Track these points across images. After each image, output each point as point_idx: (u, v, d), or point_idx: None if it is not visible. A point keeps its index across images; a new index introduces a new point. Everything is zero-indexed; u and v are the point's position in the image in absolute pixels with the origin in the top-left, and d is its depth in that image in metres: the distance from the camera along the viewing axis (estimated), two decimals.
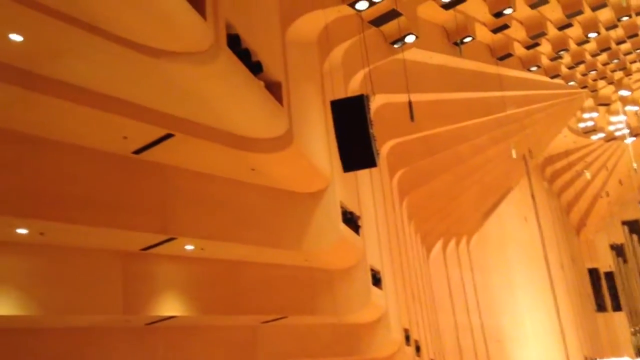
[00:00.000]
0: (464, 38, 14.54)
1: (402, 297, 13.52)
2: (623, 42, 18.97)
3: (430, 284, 18.04)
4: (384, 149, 13.77)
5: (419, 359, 13.80)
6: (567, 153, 28.62)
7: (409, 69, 11.89)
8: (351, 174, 9.74)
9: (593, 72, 20.68)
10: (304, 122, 8.87)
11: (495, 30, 15.37)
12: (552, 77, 19.31)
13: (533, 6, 14.93)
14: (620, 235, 34.64)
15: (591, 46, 18.65)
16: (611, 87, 23.11)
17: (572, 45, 17.95)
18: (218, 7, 6.14)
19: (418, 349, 13.79)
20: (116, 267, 8.54)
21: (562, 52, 17.92)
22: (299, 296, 10.58)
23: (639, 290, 32.86)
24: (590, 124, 25.85)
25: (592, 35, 17.43)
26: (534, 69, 18.06)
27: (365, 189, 11.83)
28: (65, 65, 6.09)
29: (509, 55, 16.60)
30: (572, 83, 20.69)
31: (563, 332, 25.42)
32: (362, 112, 7.77)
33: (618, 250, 34.33)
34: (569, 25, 16.39)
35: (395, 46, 12.28)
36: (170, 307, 9.16)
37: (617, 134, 26.92)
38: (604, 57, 19.79)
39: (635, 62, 21.28)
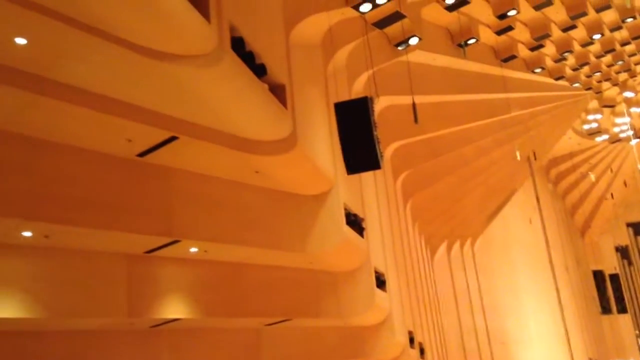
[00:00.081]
0: (468, 40, 14.53)
1: (407, 299, 13.50)
2: (627, 43, 18.94)
3: (434, 286, 18.00)
4: (388, 151, 13.76)
5: None
6: (571, 155, 28.57)
7: (413, 71, 11.89)
8: (355, 176, 9.75)
9: (597, 74, 20.66)
10: (307, 124, 8.87)
11: (499, 32, 15.37)
12: (557, 79, 19.28)
13: (537, 8, 14.92)
14: (625, 237, 34.58)
15: (595, 48, 18.63)
16: (616, 89, 23.07)
17: (577, 47, 17.93)
18: (222, 10, 6.15)
19: (422, 351, 13.76)
20: (121, 269, 8.55)
21: (566, 54, 17.90)
22: (303, 299, 10.58)
23: None
24: (594, 125, 25.81)
25: (597, 36, 17.43)
26: (538, 70, 18.04)
27: (369, 191, 11.82)
28: (70, 69, 6.11)
29: (513, 57, 16.58)
30: (576, 85, 20.66)
31: (568, 334, 25.34)
32: (366, 114, 7.77)
33: (623, 252, 34.25)
34: (573, 26, 16.37)
35: (399, 48, 12.28)
36: (175, 309, 9.17)
37: (622, 135, 26.87)
38: (608, 58, 19.76)
39: (639, 63, 21.26)
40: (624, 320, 33.24)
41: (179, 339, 10.01)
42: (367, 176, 11.55)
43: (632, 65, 21.14)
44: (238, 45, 6.52)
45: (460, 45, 14.68)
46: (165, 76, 6.23)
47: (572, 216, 33.16)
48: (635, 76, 22.30)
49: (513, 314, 22.58)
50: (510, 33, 15.69)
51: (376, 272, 10.88)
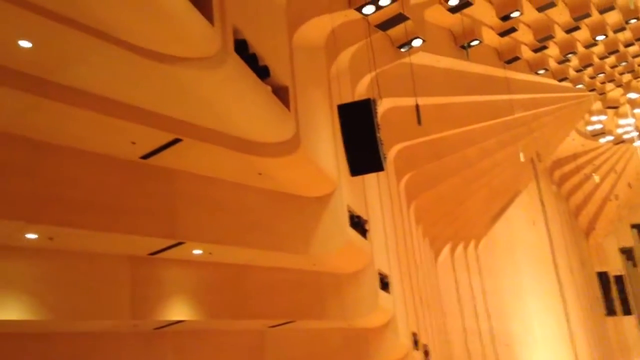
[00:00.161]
0: (471, 41, 14.52)
1: (410, 301, 13.48)
2: (631, 44, 18.90)
3: (438, 288, 17.98)
4: (391, 153, 13.76)
5: None
6: (575, 156, 28.53)
7: (416, 73, 11.88)
8: (358, 178, 9.74)
9: (601, 75, 20.62)
10: (311, 126, 8.88)
11: (502, 34, 15.35)
12: (560, 80, 19.25)
13: (540, 9, 14.90)
14: (629, 239, 34.49)
15: (599, 49, 18.60)
16: (619, 90, 23.03)
17: (580, 48, 17.90)
18: (225, 13, 6.17)
19: (426, 353, 13.74)
20: (124, 271, 8.56)
21: (570, 55, 17.86)
22: (306, 300, 10.58)
23: None
24: (598, 126, 25.75)
25: (600, 37, 17.39)
26: (541, 72, 18.01)
27: (373, 193, 11.82)
28: (74, 71, 6.13)
29: (517, 58, 16.56)
30: (580, 86, 20.62)
31: (572, 336, 25.27)
32: (369, 116, 7.77)
33: (627, 253, 34.17)
34: (577, 28, 16.34)
35: (402, 50, 12.28)
36: (178, 311, 9.18)
37: (626, 136, 26.81)
38: (612, 59, 19.73)
39: None
40: (629, 322, 33.15)
41: (183, 341, 10.01)
42: (371, 178, 11.55)
43: (636, 67, 21.09)
44: (241, 47, 6.53)
45: (463, 47, 14.67)
46: (169, 78, 6.25)
47: (576, 218, 33.08)
48: (639, 77, 22.25)
49: (517, 316, 22.52)
50: (513, 34, 15.68)
51: (380, 274, 10.88)
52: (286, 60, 8.33)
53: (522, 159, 18.33)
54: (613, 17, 16.89)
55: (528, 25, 16.05)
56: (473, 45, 14.66)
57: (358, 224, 10.06)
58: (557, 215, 29.06)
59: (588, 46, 17.94)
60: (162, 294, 8.98)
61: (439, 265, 18.86)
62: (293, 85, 8.22)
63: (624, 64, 20.25)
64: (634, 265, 34.07)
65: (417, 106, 9.10)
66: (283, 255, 9.70)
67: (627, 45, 18.87)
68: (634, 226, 34.77)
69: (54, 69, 6.04)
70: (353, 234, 9.77)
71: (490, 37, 15.51)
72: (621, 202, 32.52)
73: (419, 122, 9.00)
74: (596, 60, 19.14)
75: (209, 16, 5.69)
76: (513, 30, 15.28)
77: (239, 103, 7.05)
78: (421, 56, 13.17)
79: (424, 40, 12.28)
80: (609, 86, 22.35)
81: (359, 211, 10.35)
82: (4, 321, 7.32)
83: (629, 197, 32.81)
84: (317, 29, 9.53)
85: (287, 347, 11.19)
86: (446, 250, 19.32)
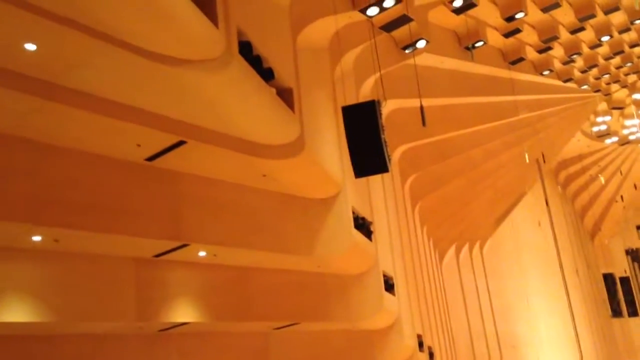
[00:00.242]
0: (476, 42, 14.51)
1: (415, 303, 13.46)
2: (636, 45, 18.85)
3: (443, 290, 17.94)
4: (395, 154, 13.75)
5: None
6: (580, 157, 28.44)
7: (421, 74, 11.87)
8: (363, 179, 9.73)
9: (606, 76, 20.56)
10: (315, 128, 8.88)
11: (507, 35, 15.33)
12: (565, 81, 19.20)
13: (545, 10, 14.87)
14: (635, 240, 34.35)
15: (604, 50, 18.55)
16: (625, 91, 22.95)
17: (585, 49, 17.85)
18: (229, 15, 6.17)
19: (432, 355, 13.71)
20: (129, 273, 8.58)
21: (574, 56, 17.83)
22: (311, 302, 10.57)
23: None
24: (603, 127, 25.66)
25: (605, 38, 17.35)
26: (546, 73, 17.98)
27: (377, 195, 11.81)
28: (79, 74, 6.14)
29: (521, 59, 16.53)
30: (585, 87, 20.57)
31: (578, 337, 25.18)
32: (374, 117, 7.76)
33: (633, 255, 34.01)
34: (582, 28, 16.31)
35: (407, 51, 12.27)
36: (183, 313, 9.18)
37: (631, 137, 26.70)
38: (617, 60, 19.67)
39: None
40: (635, 323, 33.01)
41: (188, 343, 10.02)
42: (375, 179, 11.54)
43: None
44: (246, 49, 6.54)
45: (467, 48, 14.66)
46: (173, 80, 6.25)
47: (581, 219, 32.97)
48: None
49: (523, 318, 22.46)
50: (518, 35, 15.65)
51: (384, 276, 10.86)
52: (290, 62, 8.33)
53: (527, 160, 18.28)
54: (618, 18, 16.84)
55: (533, 26, 16.02)
56: (477, 47, 14.65)
57: (363, 225, 10.06)
58: (563, 216, 28.98)
59: (593, 47, 17.89)
60: (166, 295, 8.99)
61: (444, 267, 18.83)
62: (297, 87, 8.22)
63: (629, 64, 20.19)
64: None
65: (421, 107, 9.08)
66: (288, 257, 9.70)
67: (633, 46, 18.82)
68: (639, 227, 34.62)
69: (59, 71, 6.06)
70: (358, 235, 9.76)
71: (494, 38, 15.49)
72: (627, 204, 32.41)
73: (424, 123, 8.97)
74: (601, 61, 19.09)
75: (213, 18, 5.70)
76: (518, 31, 15.26)
77: (243, 105, 7.06)
78: (425, 57, 13.17)
79: (428, 42, 12.27)
80: (614, 87, 22.27)
81: (364, 213, 10.34)
82: (9, 323, 7.34)
83: (634, 198, 32.69)
84: (321, 30, 9.53)
85: (292, 349, 11.18)
86: (451, 251, 19.28)
